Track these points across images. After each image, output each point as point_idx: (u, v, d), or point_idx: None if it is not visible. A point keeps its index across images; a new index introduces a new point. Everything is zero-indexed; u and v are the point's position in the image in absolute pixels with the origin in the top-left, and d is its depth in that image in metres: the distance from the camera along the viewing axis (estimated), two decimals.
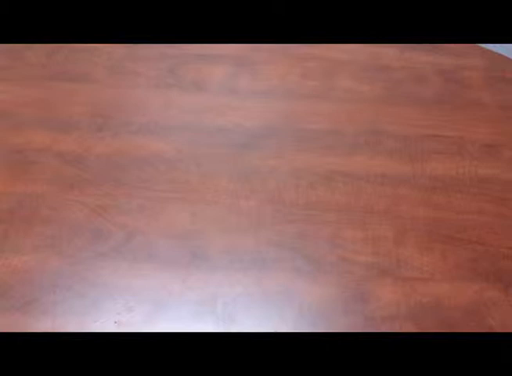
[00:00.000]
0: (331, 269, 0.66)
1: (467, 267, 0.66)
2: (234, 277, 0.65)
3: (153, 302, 0.63)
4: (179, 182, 0.74)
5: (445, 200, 0.73)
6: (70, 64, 0.90)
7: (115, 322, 0.60)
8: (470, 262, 0.67)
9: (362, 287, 0.64)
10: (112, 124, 0.81)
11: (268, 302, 0.63)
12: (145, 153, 0.78)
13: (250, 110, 0.84)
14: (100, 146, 0.78)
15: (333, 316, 0.62)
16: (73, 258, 0.66)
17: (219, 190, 0.74)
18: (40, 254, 0.67)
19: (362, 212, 0.72)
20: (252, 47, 0.94)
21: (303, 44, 0.96)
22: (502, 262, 0.67)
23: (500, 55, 0.96)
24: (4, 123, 0.81)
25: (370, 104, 0.86)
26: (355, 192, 0.74)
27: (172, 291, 0.64)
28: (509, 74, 0.92)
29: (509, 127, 0.83)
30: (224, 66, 0.91)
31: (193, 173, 0.76)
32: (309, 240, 0.69)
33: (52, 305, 0.62)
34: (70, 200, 0.72)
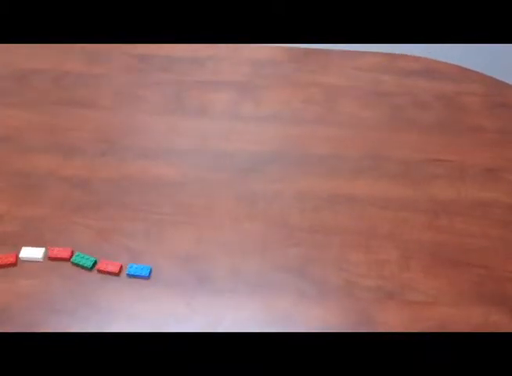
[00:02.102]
0: (336, 293, 0.66)
1: (472, 291, 0.67)
2: (239, 301, 0.65)
3: (157, 326, 0.63)
4: (184, 205, 0.75)
5: (447, 224, 0.74)
6: (76, 90, 0.91)
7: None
8: (474, 285, 0.67)
9: (368, 311, 0.64)
10: (117, 149, 0.82)
11: (273, 326, 0.63)
12: (149, 177, 0.78)
13: (254, 135, 0.85)
14: (105, 170, 0.79)
15: None
16: (77, 282, 0.66)
17: (223, 214, 0.74)
18: (44, 277, 0.67)
19: (366, 236, 0.72)
20: (255, 73, 0.96)
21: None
22: (507, 286, 0.67)
23: (499, 80, 0.98)
24: (11, 147, 0.82)
25: (372, 129, 0.87)
26: (358, 215, 0.75)
27: (177, 315, 0.64)
28: (508, 99, 0.94)
29: (509, 151, 0.85)
30: (227, 91, 0.93)
31: (198, 197, 0.76)
32: (314, 263, 0.69)
33: (56, 329, 0.62)
34: (74, 224, 0.72)
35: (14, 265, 0.67)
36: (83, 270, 0.67)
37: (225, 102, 0.91)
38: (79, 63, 0.97)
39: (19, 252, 0.69)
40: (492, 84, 0.97)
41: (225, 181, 0.78)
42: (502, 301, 0.66)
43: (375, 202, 0.76)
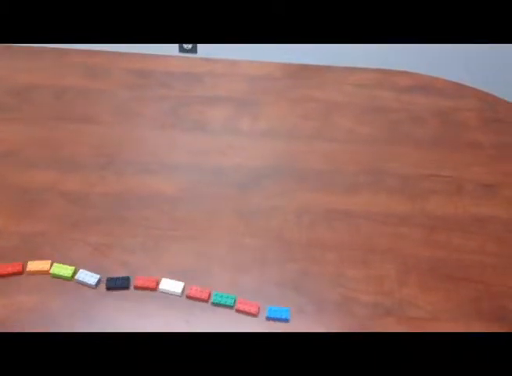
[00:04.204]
0: (334, 309, 0.66)
1: (470, 306, 0.67)
2: (237, 316, 0.65)
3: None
4: (182, 220, 0.75)
5: (445, 239, 0.74)
6: (76, 105, 0.92)
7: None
8: (473, 301, 0.67)
9: (366, 327, 0.64)
10: (116, 164, 0.82)
11: None
12: (148, 192, 0.79)
13: (252, 150, 0.86)
14: (104, 185, 0.79)
15: None
16: (75, 297, 0.66)
17: (221, 229, 0.74)
18: (42, 292, 0.66)
19: (364, 251, 0.72)
20: (252, 89, 0.97)
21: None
22: (505, 301, 0.67)
23: (494, 96, 0.99)
24: (10, 162, 0.82)
25: (369, 144, 0.88)
26: (356, 230, 0.75)
27: (176, 331, 0.63)
28: (502, 114, 0.95)
29: (505, 166, 0.85)
30: (225, 107, 0.93)
31: (196, 212, 0.76)
32: (311, 278, 0.69)
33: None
34: (73, 239, 0.72)
35: (155, 289, 0.67)
36: (83, 286, 0.67)
37: (223, 117, 0.91)
38: (78, 78, 0.97)
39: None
40: (488, 100, 0.98)
41: (223, 196, 0.79)
42: (501, 317, 0.66)
43: (372, 217, 0.76)
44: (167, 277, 0.68)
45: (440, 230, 0.75)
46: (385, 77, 1.01)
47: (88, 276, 0.67)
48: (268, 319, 0.64)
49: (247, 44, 1.00)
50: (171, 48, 1.48)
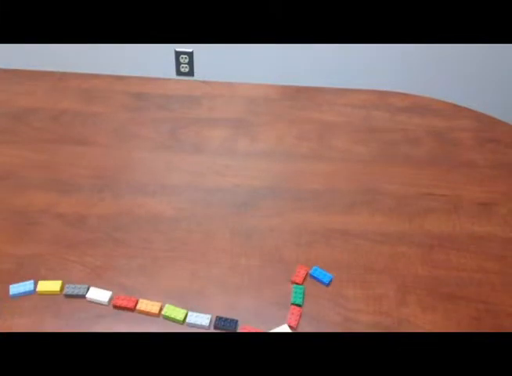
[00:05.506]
0: (333, 329, 0.65)
1: (470, 326, 0.66)
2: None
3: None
4: (179, 241, 0.75)
5: (444, 258, 0.74)
6: (74, 128, 0.92)
7: None
8: (472, 320, 0.67)
9: None
10: (113, 186, 0.83)
11: None
12: (145, 213, 0.78)
13: (249, 171, 0.86)
14: (101, 206, 0.79)
15: None
16: (70, 320, 0.65)
17: (219, 249, 0.74)
18: (37, 315, 0.66)
19: (362, 270, 0.72)
20: (249, 110, 0.98)
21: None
22: (505, 321, 0.67)
23: (489, 116, 1.00)
24: (7, 184, 0.82)
25: (366, 164, 0.88)
26: (354, 250, 0.74)
27: None
28: (498, 134, 0.96)
29: (502, 185, 0.85)
30: (223, 128, 0.94)
31: (193, 232, 0.76)
32: (310, 298, 0.68)
33: None
34: (69, 261, 0.72)
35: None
36: (77, 308, 0.66)
37: (220, 138, 0.92)
38: (76, 101, 0.98)
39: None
40: (483, 120, 0.99)
41: (221, 216, 0.79)
42: None
43: (370, 236, 0.76)
44: (162, 299, 0.67)
45: (438, 249, 0.75)
46: (380, 97, 1.02)
47: (200, 318, 0.65)
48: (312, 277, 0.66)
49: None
50: (169, 72, 1.50)
